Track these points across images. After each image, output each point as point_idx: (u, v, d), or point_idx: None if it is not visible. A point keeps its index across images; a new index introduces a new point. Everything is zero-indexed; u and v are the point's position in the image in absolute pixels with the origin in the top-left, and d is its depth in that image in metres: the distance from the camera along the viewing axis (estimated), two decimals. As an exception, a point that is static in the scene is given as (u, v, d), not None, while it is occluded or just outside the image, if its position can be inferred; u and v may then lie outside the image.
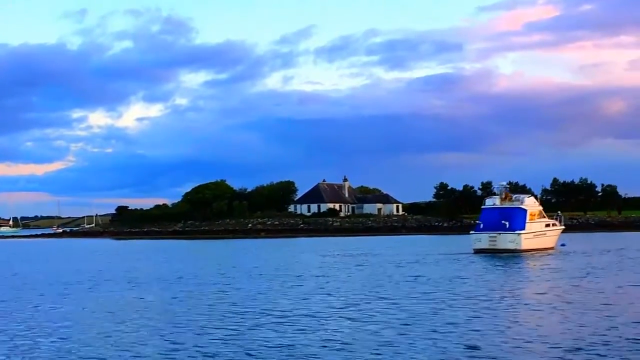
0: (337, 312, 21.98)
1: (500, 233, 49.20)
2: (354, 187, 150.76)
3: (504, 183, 53.84)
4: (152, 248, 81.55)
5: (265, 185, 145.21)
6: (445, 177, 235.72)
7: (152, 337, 18.08)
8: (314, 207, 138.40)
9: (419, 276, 33.73)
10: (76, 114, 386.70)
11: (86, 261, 55.60)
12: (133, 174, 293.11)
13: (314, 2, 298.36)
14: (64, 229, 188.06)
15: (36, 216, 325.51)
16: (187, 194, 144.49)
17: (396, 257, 48.85)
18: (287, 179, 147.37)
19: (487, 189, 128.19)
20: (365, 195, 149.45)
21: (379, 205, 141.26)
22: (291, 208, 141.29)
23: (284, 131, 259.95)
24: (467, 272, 35.63)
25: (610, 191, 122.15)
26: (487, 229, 50.15)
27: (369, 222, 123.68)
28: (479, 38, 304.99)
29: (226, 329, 19.10)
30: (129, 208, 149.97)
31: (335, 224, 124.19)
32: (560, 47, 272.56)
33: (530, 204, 51.37)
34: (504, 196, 51.61)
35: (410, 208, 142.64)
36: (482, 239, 50.00)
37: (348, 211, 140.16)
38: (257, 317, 21.17)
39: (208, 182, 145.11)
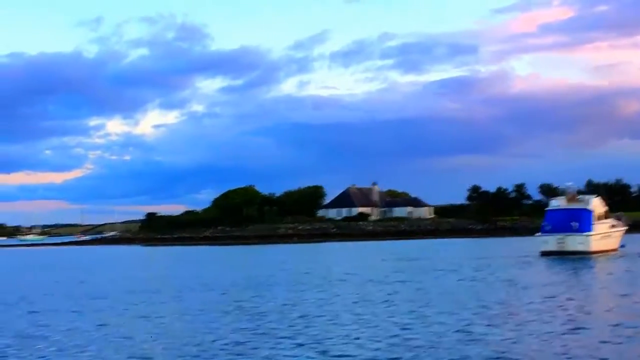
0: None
1: (568, 235, 48.38)
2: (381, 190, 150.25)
3: (570, 183, 53.03)
4: (194, 254, 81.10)
5: (293, 190, 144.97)
6: (468, 179, 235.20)
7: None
8: (343, 212, 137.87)
9: (510, 280, 32.98)
10: (93, 121, 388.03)
11: (149, 268, 54.89)
12: (151, 181, 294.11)
13: (328, 7, 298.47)
14: (94, 236, 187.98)
15: (56, 224, 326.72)
16: (216, 199, 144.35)
17: (465, 261, 47.95)
18: (314, 184, 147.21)
19: (521, 191, 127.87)
20: (394, 199, 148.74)
21: (409, 208, 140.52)
22: (320, 212, 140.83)
23: (300, 136, 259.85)
24: (565, 276, 34.79)
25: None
26: (554, 230, 49.31)
27: (402, 226, 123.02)
28: (494, 40, 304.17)
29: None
30: (158, 214, 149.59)
31: (367, 228, 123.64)
32: (576, 48, 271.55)
33: (597, 205, 50.65)
34: (570, 197, 50.88)
35: (439, 211, 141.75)
36: (550, 241, 49.18)
37: (378, 215, 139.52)
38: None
39: (236, 187, 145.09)
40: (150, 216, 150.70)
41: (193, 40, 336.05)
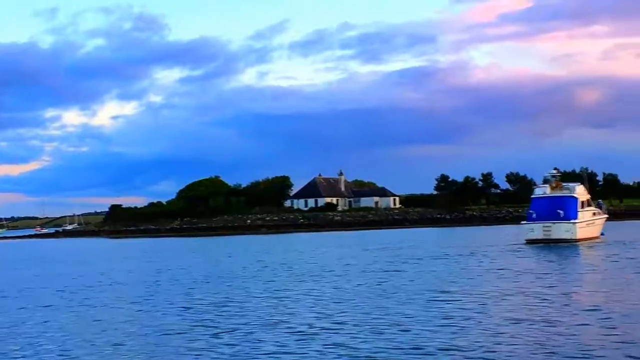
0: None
1: (554, 222, 48.59)
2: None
3: (553, 171, 53.12)
4: (172, 246, 79.74)
5: (260, 180, 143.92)
6: (431, 169, 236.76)
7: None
8: (311, 202, 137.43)
9: (502, 269, 32.77)
10: (50, 113, 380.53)
11: (142, 260, 53.38)
12: (110, 173, 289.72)
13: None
14: (55, 229, 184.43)
15: (12, 217, 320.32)
16: (181, 191, 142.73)
17: (450, 249, 47.86)
18: (277, 175, 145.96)
19: (488, 181, 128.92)
20: (361, 189, 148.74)
21: (376, 198, 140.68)
22: (287, 203, 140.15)
23: (260, 127, 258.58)
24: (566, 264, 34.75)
25: (611, 180, 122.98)
26: (540, 218, 49.42)
27: (370, 216, 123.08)
28: (453, 30, 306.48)
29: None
30: (121, 206, 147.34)
31: (336, 218, 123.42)
32: (535, 38, 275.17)
33: (581, 192, 50.95)
34: (554, 185, 51.08)
35: (406, 201, 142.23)
36: (536, 229, 49.29)
37: (345, 205, 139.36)
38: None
39: (201, 178, 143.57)
40: (114, 208, 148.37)
41: (151, 31, 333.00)
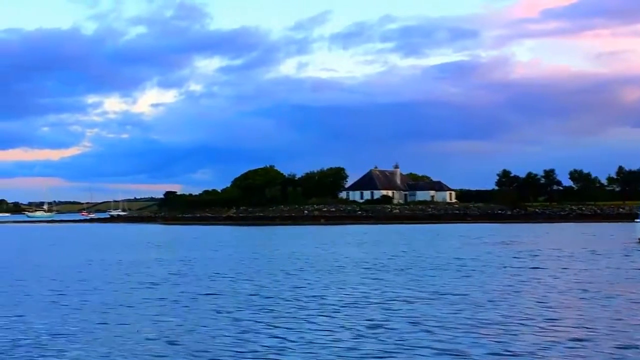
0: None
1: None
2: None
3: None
4: (242, 234, 79.45)
5: (315, 171, 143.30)
6: (475, 164, 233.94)
7: None
8: (366, 194, 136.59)
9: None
10: (91, 99, 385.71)
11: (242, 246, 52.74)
12: (148, 160, 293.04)
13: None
14: (103, 214, 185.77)
15: (54, 201, 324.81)
16: (236, 179, 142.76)
17: (568, 248, 45.94)
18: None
19: (550, 177, 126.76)
20: (417, 182, 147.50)
21: (432, 192, 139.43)
22: (342, 194, 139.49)
23: (298, 118, 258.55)
24: None
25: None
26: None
27: (429, 210, 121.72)
28: (496, 25, 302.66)
29: None
30: (177, 193, 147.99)
31: (394, 211, 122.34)
32: (578, 35, 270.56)
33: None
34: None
35: (462, 195, 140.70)
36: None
37: (400, 198, 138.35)
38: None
39: (257, 167, 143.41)
40: (169, 195, 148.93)
41: (192, 19, 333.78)
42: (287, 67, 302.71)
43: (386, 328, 16.76)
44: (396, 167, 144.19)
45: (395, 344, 14.97)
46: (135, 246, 55.93)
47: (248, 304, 21.14)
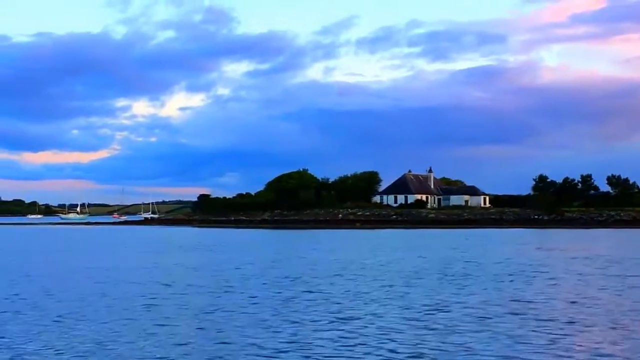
0: None
1: None
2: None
3: None
4: (288, 238, 79.67)
5: (349, 175, 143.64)
6: (506, 168, 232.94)
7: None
8: (400, 198, 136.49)
9: None
10: (120, 103, 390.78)
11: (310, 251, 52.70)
12: (176, 164, 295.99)
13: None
14: (150, 215, 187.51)
15: (83, 204, 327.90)
16: (270, 182, 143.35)
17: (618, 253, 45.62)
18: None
19: (587, 182, 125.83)
20: (451, 186, 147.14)
21: (466, 197, 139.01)
22: (377, 198, 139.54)
23: (325, 122, 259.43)
24: None
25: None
26: None
27: (465, 214, 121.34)
28: (523, 30, 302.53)
29: None
30: (211, 196, 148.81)
31: (430, 215, 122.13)
32: (607, 40, 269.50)
33: None
34: None
35: (496, 200, 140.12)
36: None
37: (434, 203, 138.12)
38: None
39: (291, 171, 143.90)
40: (202, 198, 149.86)
41: (220, 24, 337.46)
42: (314, 72, 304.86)
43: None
44: (430, 171, 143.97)
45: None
46: (197, 248, 55.83)
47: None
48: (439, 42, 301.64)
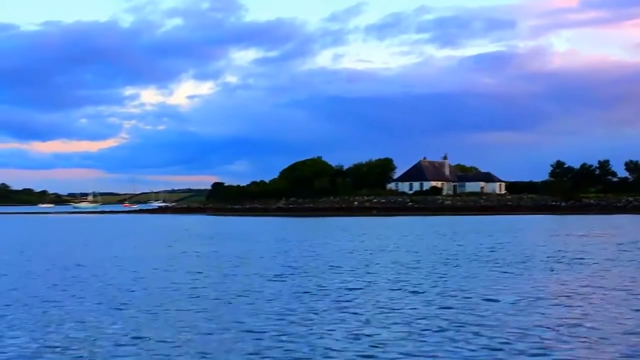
0: None
1: None
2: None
3: None
4: (309, 225, 79.11)
5: (363, 162, 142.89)
6: (516, 154, 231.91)
7: None
8: (415, 185, 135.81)
9: None
10: (128, 91, 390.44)
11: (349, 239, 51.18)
12: (185, 152, 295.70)
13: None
14: (164, 204, 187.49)
15: (93, 192, 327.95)
16: (283, 170, 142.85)
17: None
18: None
19: (605, 168, 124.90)
20: (466, 173, 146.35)
21: (482, 183, 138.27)
22: (391, 185, 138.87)
23: (334, 109, 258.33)
24: None
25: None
26: None
27: (482, 201, 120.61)
28: (533, 15, 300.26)
29: None
30: (225, 184, 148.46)
31: (446, 202, 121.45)
32: (617, 24, 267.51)
33: None
34: None
35: (511, 186, 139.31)
36: None
37: (450, 190, 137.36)
38: None
39: (305, 159, 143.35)
40: (216, 186, 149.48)
41: (227, 11, 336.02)
42: (323, 59, 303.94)
43: None
44: (445, 157, 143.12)
45: None
46: (230, 238, 54.77)
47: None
48: (447, 28, 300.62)
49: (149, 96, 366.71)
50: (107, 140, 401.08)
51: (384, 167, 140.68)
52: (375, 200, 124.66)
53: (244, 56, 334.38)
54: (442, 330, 15.65)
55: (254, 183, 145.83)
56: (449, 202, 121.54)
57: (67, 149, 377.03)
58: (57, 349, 14.16)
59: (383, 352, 13.72)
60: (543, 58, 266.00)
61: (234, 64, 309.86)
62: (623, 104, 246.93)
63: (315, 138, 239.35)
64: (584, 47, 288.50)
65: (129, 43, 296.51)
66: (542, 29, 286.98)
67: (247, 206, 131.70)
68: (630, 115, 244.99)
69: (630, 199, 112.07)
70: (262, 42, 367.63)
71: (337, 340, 14.72)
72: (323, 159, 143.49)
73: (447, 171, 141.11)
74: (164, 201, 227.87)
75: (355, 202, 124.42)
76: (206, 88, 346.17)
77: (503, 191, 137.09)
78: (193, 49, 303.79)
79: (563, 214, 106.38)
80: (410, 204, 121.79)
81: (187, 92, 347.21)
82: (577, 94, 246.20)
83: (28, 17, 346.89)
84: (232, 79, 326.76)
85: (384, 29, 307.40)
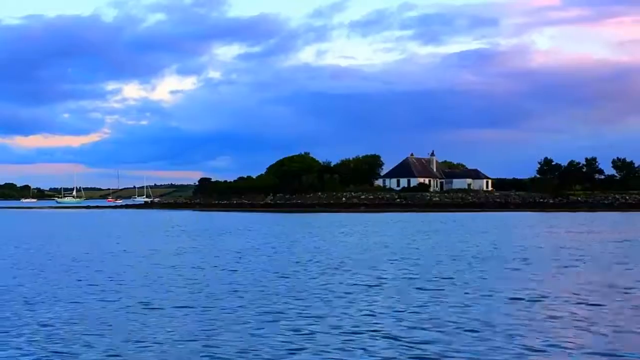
0: None
1: None
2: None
3: None
4: (303, 222, 78.71)
5: (350, 158, 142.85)
6: (500, 152, 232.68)
7: None
8: (403, 182, 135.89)
9: None
10: (110, 86, 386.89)
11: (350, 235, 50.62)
12: (167, 147, 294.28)
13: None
14: (149, 199, 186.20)
15: (77, 187, 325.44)
16: (271, 166, 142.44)
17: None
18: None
19: (592, 166, 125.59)
20: (453, 170, 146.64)
21: (469, 180, 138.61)
22: (379, 182, 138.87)
23: (318, 105, 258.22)
24: None
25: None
26: None
27: (469, 198, 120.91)
28: (516, 13, 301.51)
29: None
30: (212, 180, 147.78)
31: (434, 199, 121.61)
32: (599, 23, 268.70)
33: None
34: None
35: (498, 184, 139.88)
36: None
37: (437, 186, 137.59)
38: None
39: (291, 155, 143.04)
40: (203, 181, 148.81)
41: (210, 6, 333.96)
42: (306, 55, 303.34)
43: None
44: (432, 154, 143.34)
45: None
46: (227, 232, 54.24)
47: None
48: (431, 26, 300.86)
49: (132, 91, 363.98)
50: (89, 135, 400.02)
51: (372, 163, 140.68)
52: (363, 197, 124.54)
53: (227, 52, 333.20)
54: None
55: (241, 178, 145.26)
56: (437, 198, 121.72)
57: (50, 144, 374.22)
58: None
59: (422, 352, 13.47)
60: (526, 56, 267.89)
61: (217, 59, 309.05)
62: (605, 102, 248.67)
63: (299, 134, 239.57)
64: (566, 45, 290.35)
65: (111, 38, 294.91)
66: (525, 26, 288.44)
67: (235, 202, 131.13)
68: (612, 114, 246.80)
69: (617, 196, 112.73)
70: (245, 37, 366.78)
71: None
72: (311, 155, 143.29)
73: (434, 168, 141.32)
74: (147, 196, 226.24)
75: (344, 198, 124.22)
76: (189, 83, 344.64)
77: (490, 188, 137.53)
78: (176, 44, 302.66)
79: (552, 211, 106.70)
80: (399, 200, 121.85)
81: (170, 87, 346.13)
82: (559, 92, 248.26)
83: (10, 10, 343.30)
84: (215, 74, 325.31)
85: (368, 25, 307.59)
